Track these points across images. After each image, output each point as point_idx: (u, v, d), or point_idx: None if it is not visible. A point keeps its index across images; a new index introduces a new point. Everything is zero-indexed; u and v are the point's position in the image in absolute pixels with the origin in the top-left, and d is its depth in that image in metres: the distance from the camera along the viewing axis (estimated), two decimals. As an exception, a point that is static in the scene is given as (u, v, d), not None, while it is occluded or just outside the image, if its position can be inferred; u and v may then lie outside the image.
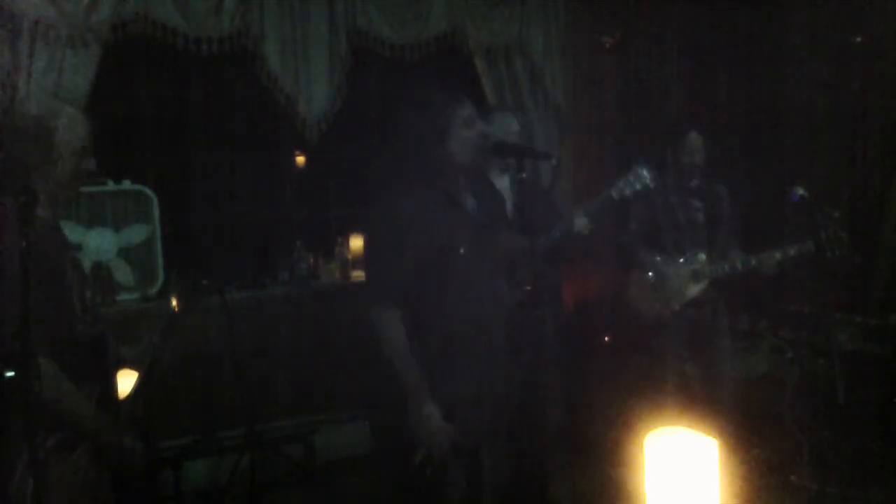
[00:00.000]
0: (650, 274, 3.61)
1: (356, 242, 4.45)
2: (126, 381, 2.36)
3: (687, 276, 3.57)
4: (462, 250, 2.29)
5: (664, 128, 4.15)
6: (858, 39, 4.52)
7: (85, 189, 3.81)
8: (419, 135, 2.30)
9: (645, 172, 3.07)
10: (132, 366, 2.37)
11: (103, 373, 2.21)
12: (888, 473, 3.46)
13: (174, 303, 2.43)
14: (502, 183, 3.19)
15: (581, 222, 3.02)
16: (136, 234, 3.95)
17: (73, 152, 2.14)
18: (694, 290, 3.57)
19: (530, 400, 2.90)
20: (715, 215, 3.69)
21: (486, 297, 2.36)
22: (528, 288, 2.69)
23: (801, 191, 3.19)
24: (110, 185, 3.90)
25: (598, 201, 3.06)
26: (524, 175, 2.55)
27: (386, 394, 2.28)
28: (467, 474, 2.36)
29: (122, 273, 3.90)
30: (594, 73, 4.88)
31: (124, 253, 3.93)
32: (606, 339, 4.19)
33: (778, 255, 3.48)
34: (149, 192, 3.97)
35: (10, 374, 1.88)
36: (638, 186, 3.07)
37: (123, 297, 3.87)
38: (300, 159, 4.76)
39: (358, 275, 4.39)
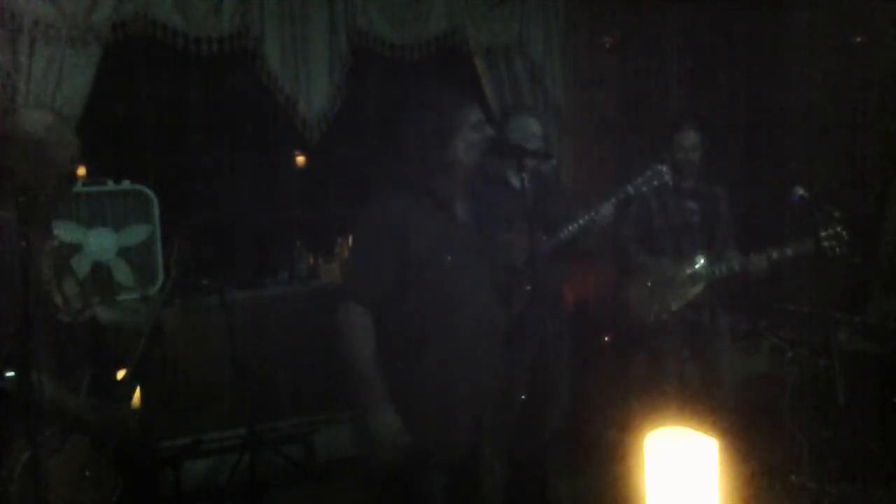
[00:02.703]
0: (648, 277, 3.61)
1: (356, 242, 4.45)
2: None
3: (684, 278, 3.56)
4: (449, 258, 2.28)
5: (663, 127, 4.15)
6: (858, 39, 4.52)
7: (85, 189, 3.86)
8: (426, 136, 2.29)
9: (664, 169, 3.07)
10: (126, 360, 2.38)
11: (96, 358, 2.22)
12: (888, 473, 3.46)
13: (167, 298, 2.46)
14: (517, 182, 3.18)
15: (605, 212, 3.02)
16: (136, 234, 3.95)
17: (61, 176, 2.14)
18: (691, 292, 3.56)
19: (530, 400, 2.90)
20: (712, 216, 3.68)
21: (472, 306, 2.33)
22: (529, 288, 2.69)
23: (801, 191, 3.19)
24: (110, 185, 3.90)
25: (616, 197, 3.07)
26: (524, 175, 2.55)
27: (352, 395, 2.28)
28: (453, 483, 2.35)
29: (122, 273, 3.90)
30: (594, 73, 4.88)
31: (124, 253, 3.93)
32: (606, 339, 4.19)
33: (775, 255, 3.48)
34: (149, 192, 3.97)
35: (10, 373, 1.89)
36: (656, 183, 3.07)
37: (123, 297, 3.87)
38: (300, 159, 4.76)
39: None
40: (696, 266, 3.56)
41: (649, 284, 3.59)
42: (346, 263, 2.53)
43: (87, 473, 2.08)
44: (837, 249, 3.29)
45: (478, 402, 2.35)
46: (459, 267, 2.30)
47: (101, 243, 3.85)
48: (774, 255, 3.48)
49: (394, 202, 2.30)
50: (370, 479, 2.41)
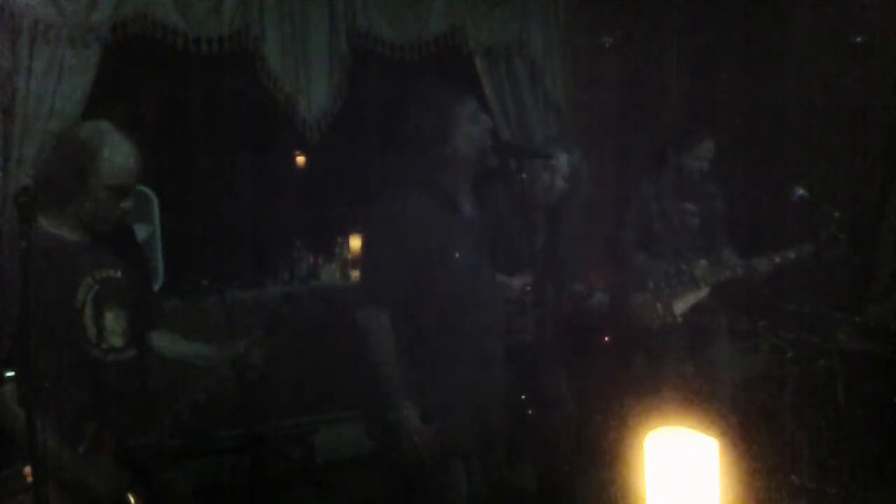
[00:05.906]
0: (649, 281, 3.60)
1: (356, 242, 4.45)
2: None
3: (687, 282, 3.56)
4: (457, 255, 2.29)
5: (670, 129, 4.14)
6: (858, 39, 4.52)
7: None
8: (423, 130, 2.30)
9: None
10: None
11: (121, 406, 2.16)
12: (888, 473, 3.46)
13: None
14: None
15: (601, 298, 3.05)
16: (136, 234, 3.94)
17: (107, 187, 2.08)
18: (695, 297, 3.55)
19: (530, 400, 2.90)
20: (709, 216, 3.68)
21: (480, 301, 2.36)
22: (529, 288, 2.69)
23: (801, 191, 3.20)
24: (110, 185, 3.89)
25: None
26: (524, 175, 2.55)
27: (372, 394, 2.29)
28: (464, 477, 2.36)
29: (123, 273, 3.88)
30: (594, 73, 4.88)
31: (124, 253, 3.92)
32: (606, 339, 4.18)
33: (777, 259, 3.48)
34: (149, 192, 3.96)
35: (10, 374, 1.88)
36: None
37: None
38: (300, 159, 4.75)
39: (358, 275, 4.38)
40: (700, 271, 3.55)
41: (651, 288, 3.58)
42: (362, 264, 2.50)
43: None
44: (835, 252, 3.29)
45: (485, 396, 2.37)
46: (466, 263, 2.31)
47: (101, 243, 3.84)
48: (777, 258, 3.48)
49: (406, 202, 2.30)
50: (384, 474, 2.42)
